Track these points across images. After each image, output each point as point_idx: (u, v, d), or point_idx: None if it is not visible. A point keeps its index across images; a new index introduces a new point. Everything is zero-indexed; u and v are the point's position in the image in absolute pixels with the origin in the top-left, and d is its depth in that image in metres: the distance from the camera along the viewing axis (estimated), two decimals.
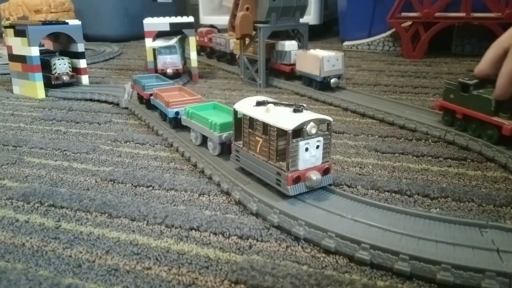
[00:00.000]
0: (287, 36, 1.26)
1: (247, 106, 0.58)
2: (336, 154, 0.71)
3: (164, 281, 0.41)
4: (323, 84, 1.06)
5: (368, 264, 0.43)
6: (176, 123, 0.79)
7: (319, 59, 1.03)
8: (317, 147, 0.52)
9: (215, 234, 0.49)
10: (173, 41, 1.25)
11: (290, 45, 1.18)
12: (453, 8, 1.52)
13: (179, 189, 0.60)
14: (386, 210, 0.50)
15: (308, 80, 1.11)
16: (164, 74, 1.19)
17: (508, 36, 0.65)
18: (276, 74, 1.24)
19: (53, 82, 1.15)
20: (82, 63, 1.21)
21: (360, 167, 0.66)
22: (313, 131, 0.51)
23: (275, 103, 0.55)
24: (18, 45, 1.12)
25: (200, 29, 1.72)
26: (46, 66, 1.14)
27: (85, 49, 1.25)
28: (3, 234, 0.50)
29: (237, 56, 1.39)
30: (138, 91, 0.98)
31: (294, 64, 1.16)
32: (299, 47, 1.20)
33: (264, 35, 1.14)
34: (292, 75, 1.17)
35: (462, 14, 1.49)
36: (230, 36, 1.42)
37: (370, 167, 0.66)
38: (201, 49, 1.72)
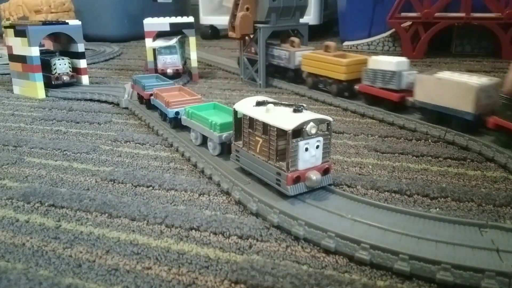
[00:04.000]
0: (287, 36, 1.26)
1: (247, 106, 0.58)
2: (336, 154, 0.71)
3: (164, 281, 0.41)
4: (474, 125, 0.73)
5: (368, 264, 0.43)
6: (176, 123, 0.79)
7: (473, 89, 0.71)
8: (317, 147, 0.52)
9: (215, 234, 0.49)
10: (173, 41, 1.25)
11: (399, 64, 0.86)
12: (452, 8, 1.52)
13: (179, 189, 0.60)
14: (386, 210, 0.50)
15: (439, 116, 0.78)
16: (164, 74, 1.19)
17: None
18: (276, 74, 1.23)
19: (53, 82, 1.15)
20: (82, 63, 1.21)
21: (360, 167, 0.66)
22: (313, 131, 0.51)
23: (275, 103, 0.56)
24: (18, 45, 1.12)
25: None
26: (46, 66, 1.14)
27: (85, 49, 1.25)
28: (3, 234, 0.50)
29: (304, 73, 1.11)
30: (138, 91, 0.98)
31: (407, 91, 0.85)
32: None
33: (264, 35, 1.14)
34: (401, 105, 0.87)
35: (462, 14, 1.49)
36: (296, 48, 1.15)
37: (370, 167, 0.66)
38: (249, 63, 1.29)
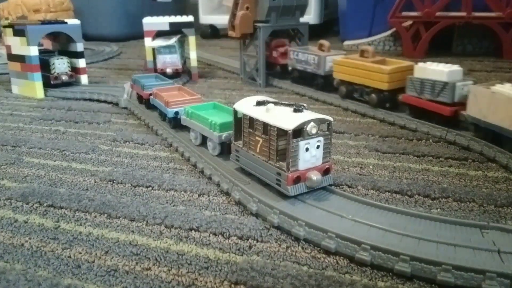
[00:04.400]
0: (287, 35, 1.25)
1: (247, 106, 0.57)
2: (337, 154, 0.71)
3: (164, 282, 0.41)
4: None
5: (369, 265, 0.43)
6: (176, 123, 0.78)
7: None
8: (318, 147, 0.52)
9: (215, 234, 0.49)
10: (173, 40, 1.25)
11: (452, 73, 0.76)
12: (454, 7, 1.52)
13: (178, 189, 0.59)
14: (387, 211, 0.49)
15: (493, 135, 0.68)
16: (163, 73, 1.19)
17: None
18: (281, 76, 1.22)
19: (52, 82, 1.15)
20: (81, 63, 1.21)
21: (361, 167, 0.66)
22: (314, 131, 0.50)
23: (275, 103, 0.55)
24: (17, 45, 1.11)
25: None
26: (45, 66, 1.14)
27: (84, 48, 1.24)
28: (2, 234, 0.50)
29: (335, 80, 1.00)
30: (137, 90, 0.97)
31: (460, 104, 0.75)
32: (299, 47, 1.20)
33: (264, 35, 1.14)
34: (453, 119, 0.76)
35: (463, 14, 1.48)
36: (326, 52, 1.05)
37: (371, 167, 0.66)
38: (268, 66, 1.24)
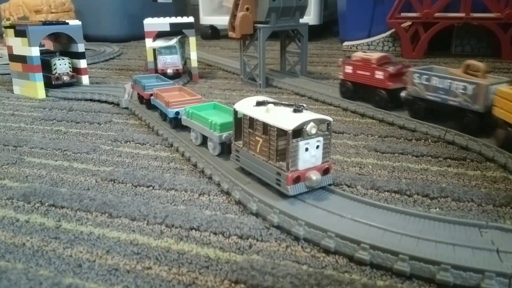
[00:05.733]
0: (287, 36, 1.26)
1: (247, 106, 0.58)
2: (336, 154, 0.71)
3: (164, 281, 0.41)
4: None
5: (368, 264, 0.43)
6: (176, 123, 0.79)
7: None
8: (317, 147, 0.52)
9: (215, 234, 0.49)
10: (173, 41, 1.26)
11: None
12: (452, 8, 1.52)
13: (179, 189, 0.60)
14: (386, 210, 0.50)
15: None
16: (164, 74, 1.19)
17: None
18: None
19: (53, 82, 1.15)
20: (83, 63, 1.21)
21: (360, 167, 0.66)
22: (313, 131, 0.51)
23: (275, 103, 0.56)
24: (19, 45, 1.12)
25: (358, 55, 0.94)
26: (46, 66, 1.14)
27: (86, 49, 1.25)
28: (3, 234, 0.50)
29: (498, 120, 0.67)
30: (138, 91, 0.98)
31: None
32: (299, 48, 1.20)
33: (264, 35, 1.14)
34: None
35: (462, 14, 1.49)
36: (484, 79, 0.71)
37: (370, 167, 0.66)
38: (354, 89, 0.96)
